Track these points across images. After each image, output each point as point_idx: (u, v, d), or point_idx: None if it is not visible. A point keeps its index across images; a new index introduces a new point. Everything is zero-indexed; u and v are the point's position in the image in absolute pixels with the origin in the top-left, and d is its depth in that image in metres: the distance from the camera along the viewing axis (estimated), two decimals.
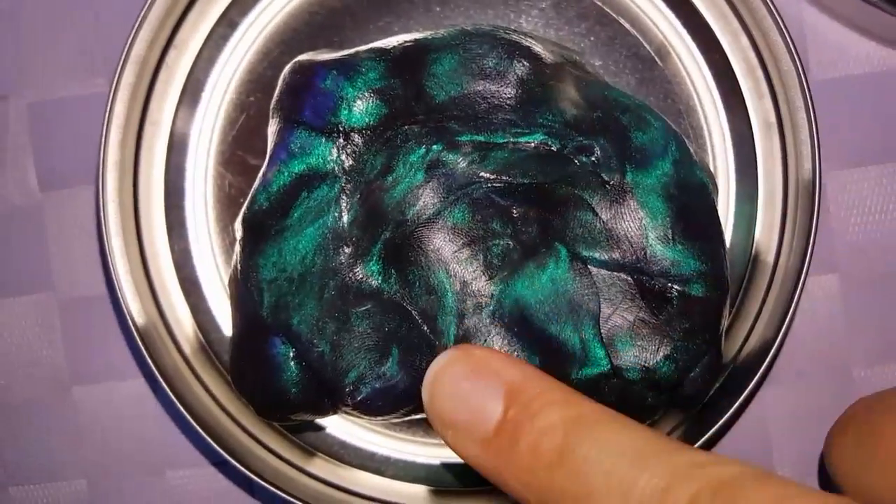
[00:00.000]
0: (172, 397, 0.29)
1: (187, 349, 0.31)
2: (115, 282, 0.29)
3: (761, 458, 0.34)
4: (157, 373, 0.29)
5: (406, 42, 0.28)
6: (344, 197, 0.27)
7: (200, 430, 0.29)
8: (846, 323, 0.34)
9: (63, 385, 0.35)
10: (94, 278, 0.35)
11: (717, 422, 0.29)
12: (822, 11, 0.34)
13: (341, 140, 0.27)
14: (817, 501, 0.20)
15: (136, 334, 0.29)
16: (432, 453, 0.32)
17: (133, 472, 0.35)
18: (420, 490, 0.32)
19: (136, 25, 0.29)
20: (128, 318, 0.29)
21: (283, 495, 0.29)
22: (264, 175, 0.27)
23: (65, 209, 0.35)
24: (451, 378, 0.24)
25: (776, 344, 0.29)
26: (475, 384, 0.23)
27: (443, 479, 0.32)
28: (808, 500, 0.19)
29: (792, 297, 0.29)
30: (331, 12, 0.33)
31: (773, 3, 0.30)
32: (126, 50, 0.29)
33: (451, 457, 0.31)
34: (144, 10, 0.29)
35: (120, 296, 0.29)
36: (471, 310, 0.26)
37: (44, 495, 0.35)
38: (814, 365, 0.34)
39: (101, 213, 0.29)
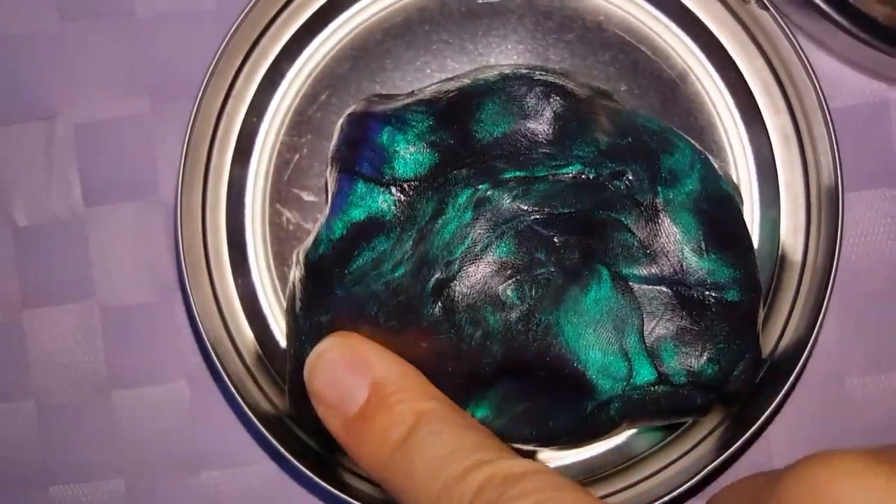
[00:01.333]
0: (238, 397, 0.31)
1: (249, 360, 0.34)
2: (191, 302, 0.32)
3: (763, 465, 0.36)
4: (226, 378, 0.31)
5: (450, 92, 0.29)
6: (399, 245, 0.28)
7: (262, 428, 0.31)
8: (839, 335, 0.36)
9: (103, 389, 0.37)
10: (134, 288, 0.37)
11: (763, 413, 0.31)
12: (818, 47, 0.37)
13: (396, 190, 0.28)
14: (574, 498, 0.23)
15: (209, 346, 0.31)
16: None
17: (168, 473, 0.37)
18: None
19: (206, 81, 0.32)
20: (201, 329, 0.31)
21: (341, 494, 0.31)
22: (327, 222, 0.29)
23: (107, 223, 0.37)
24: (329, 361, 0.28)
25: (811, 339, 0.31)
26: (348, 371, 0.27)
27: None
28: (571, 495, 0.24)
29: (823, 292, 0.31)
30: (372, 55, 0.35)
31: (787, 25, 0.32)
32: (197, 105, 0.32)
33: None
34: (212, 66, 0.32)
35: (195, 312, 0.31)
36: (518, 339, 0.28)
37: (82, 494, 0.37)
38: (810, 375, 0.36)
39: (181, 259, 0.32)
